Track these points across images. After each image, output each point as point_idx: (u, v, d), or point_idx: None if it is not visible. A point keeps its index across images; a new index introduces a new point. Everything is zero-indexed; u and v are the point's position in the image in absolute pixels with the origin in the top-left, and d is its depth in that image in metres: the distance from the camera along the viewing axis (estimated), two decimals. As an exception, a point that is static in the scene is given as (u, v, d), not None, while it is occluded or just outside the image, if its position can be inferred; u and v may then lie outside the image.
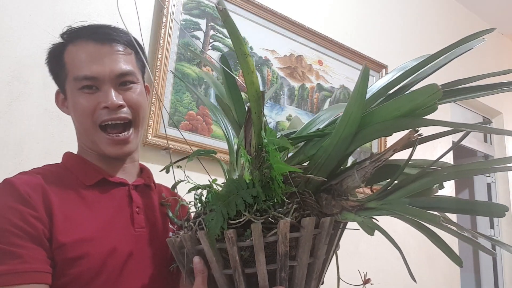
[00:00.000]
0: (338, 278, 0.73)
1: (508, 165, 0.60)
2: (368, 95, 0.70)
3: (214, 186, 0.71)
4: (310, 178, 0.67)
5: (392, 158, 0.65)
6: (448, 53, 0.66)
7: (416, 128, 0.60)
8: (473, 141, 3.19)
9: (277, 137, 0.71)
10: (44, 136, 1.37)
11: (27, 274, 0.66)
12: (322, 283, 0.72)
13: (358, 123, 0.62)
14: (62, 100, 0.85)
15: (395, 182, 0.66)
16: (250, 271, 0.64)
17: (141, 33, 1.59)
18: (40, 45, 1.40)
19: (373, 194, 0.66)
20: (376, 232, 0.62)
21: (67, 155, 0.86)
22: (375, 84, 0.73)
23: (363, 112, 0.62)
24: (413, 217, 0.59)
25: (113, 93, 0.77)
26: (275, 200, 0.64)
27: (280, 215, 0.63)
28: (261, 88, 0.62)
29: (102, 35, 0.80)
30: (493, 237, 0.59)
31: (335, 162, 0.66)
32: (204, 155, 0.80)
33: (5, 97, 1.32)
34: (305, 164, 0.72)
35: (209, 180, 0.72)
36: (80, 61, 0.78)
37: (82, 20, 1.47)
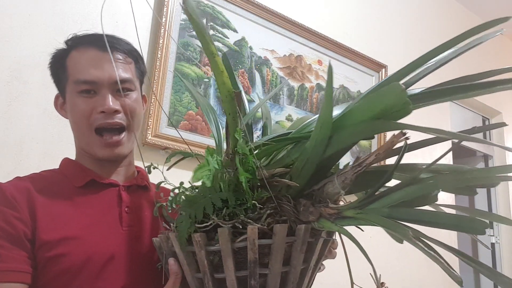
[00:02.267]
0: (352, 283, 0.70)
1: (509, 174, 0.56)
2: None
3: (186, 190, 0.70)
4: (288, 183, 0.64)
5: (403, 162, 0.61)
6: (456, 46, 0.60)
7: (404, 131, 0.56)
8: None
9: (273, 137, 0.71)
10: (44, 136, 1.37)
11: (3, 273, 0.68)
12: None
13: (330, 126, 0.59)
14: (61, 103, 0.88)
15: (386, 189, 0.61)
16: (219, 276, 0.63)
17: (140, 33, 1.59)
18: (40, 45, 1.40)
19: (354, 202, 0.62)
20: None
21: (63, 161, 0.89)
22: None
23: (338, 114, 0.59)
24: (387, 229, 0.56)
25: (110, 98, 0.80)
26: (248, 205, 0.62)
27: (249, 220, 0.61)
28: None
29: (104, 43, 0.82)
30: (475, 260, 0.56)
31: (314, 166, 0.63)
32: (182, 154, 0.79)
33: (5, 97, 1.32)
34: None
35: (181, 182, 0.72)
36: (81, 66, 0.81)
37: (82, 20, 1.48)
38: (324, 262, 0.78)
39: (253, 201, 0.62)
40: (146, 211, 0.86)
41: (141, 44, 1.41)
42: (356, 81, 2.30)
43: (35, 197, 0.76)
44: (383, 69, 2.41)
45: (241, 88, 0.84)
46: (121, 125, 0.82)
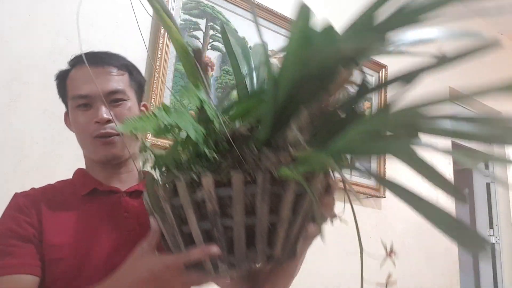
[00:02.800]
0: (362, 260, 0.66)
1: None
2: None
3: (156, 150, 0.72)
4: (253, 132, 0.64)
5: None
6: None
7: (356, 63, 0.54)
8: (472, 141, 3.18)
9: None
10: (44, 136, 1.37)
11: (16, 267, 0.78)
12: (292, 254, 0.68)
13: (269, 62, 0.59)
14: (68, 120, 0.94)
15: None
16: (187, 229, 0.65)
17: (141, 33, 1.60)
18: (40, 45, 1.40)
19: (311, 148, 0.61)
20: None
21: (76, 171, 0.96)
22: None
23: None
24: (315, 165, 0.55)
25: (103, 109, 0.86)
26: (208, 157, 0.61)
27: (203, 170, 0.61)
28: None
29: (97, 59, 0.89)
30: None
31: (271, 112, 0.62)
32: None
33: (5, 97, 1.32)
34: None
35: (146, 137, 0.72)
36: (77, 82, 0.89)
37: (81, 20, 1.48)
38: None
39: (212, 152, 0.61)
40: (147, 216, 0.88)
41: (141, 44, 1.41)
42: (356, 81, 2.30)
43: (42, 206, 0.85)
44: (383, 69, 2.41)
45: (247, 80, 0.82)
46: (113, 134, 0.87)
